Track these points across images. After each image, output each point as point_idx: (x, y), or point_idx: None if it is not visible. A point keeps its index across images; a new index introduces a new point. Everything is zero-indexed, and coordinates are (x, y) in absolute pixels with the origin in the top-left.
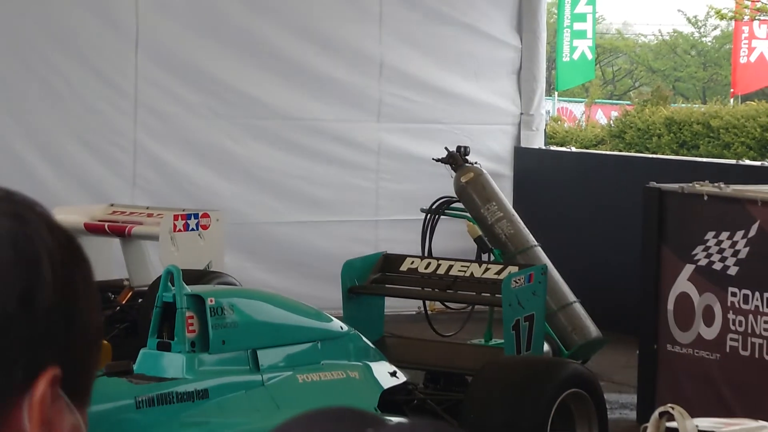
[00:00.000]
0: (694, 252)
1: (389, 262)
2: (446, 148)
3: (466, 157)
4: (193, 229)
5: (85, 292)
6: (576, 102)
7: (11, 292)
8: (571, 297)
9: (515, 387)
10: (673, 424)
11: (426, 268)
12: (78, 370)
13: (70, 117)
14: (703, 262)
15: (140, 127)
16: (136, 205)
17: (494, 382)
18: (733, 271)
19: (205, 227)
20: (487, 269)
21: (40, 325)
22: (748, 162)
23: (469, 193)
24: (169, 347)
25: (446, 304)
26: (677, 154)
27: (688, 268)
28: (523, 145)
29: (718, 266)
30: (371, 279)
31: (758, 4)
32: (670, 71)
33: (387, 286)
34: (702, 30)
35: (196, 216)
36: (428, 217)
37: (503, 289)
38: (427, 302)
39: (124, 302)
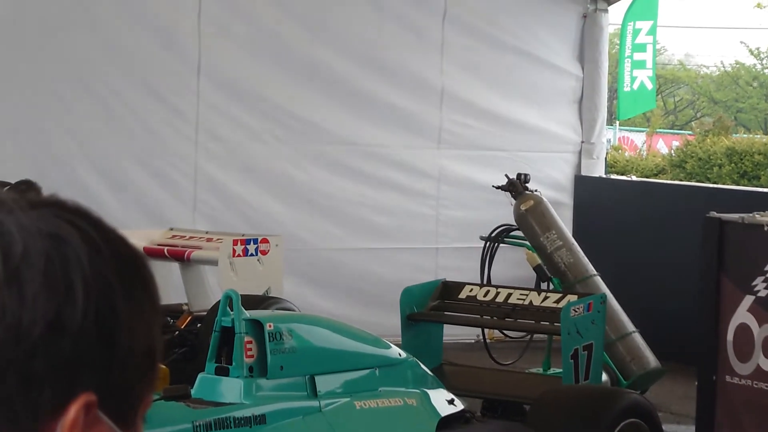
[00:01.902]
0: (754, 282)
1: (448, 290)
2: (506, 176)
3: (526, 185)
4: (252, 255)
5: (131, 314)
6: (637, 131)
7: (40, 317)
8: (630, 327)
9: (573, 416)
10: None
11: (485, 295)
12: (122, 393)
13: (131, 141)
14: (763, 293)
15: (201, 152)
16: (195, 230)
17: (552, 411)
18: None
19: (264, 252)
20: (546, 297)
21: (69, 351)
22: None
23: (529, 221)
24: (227, 372)
25: (505, 332)
26: (738, 185)
27: (748, 299)
28: (583, 173)
29: None
30: (430, 306)
31: None
32: (732, 102)
33: (446, 313)
34: (764, 62)
35: (255, 241)
36: (487, 244)
37: (562, 318)
38: (486, 330)
39: (182, 327)
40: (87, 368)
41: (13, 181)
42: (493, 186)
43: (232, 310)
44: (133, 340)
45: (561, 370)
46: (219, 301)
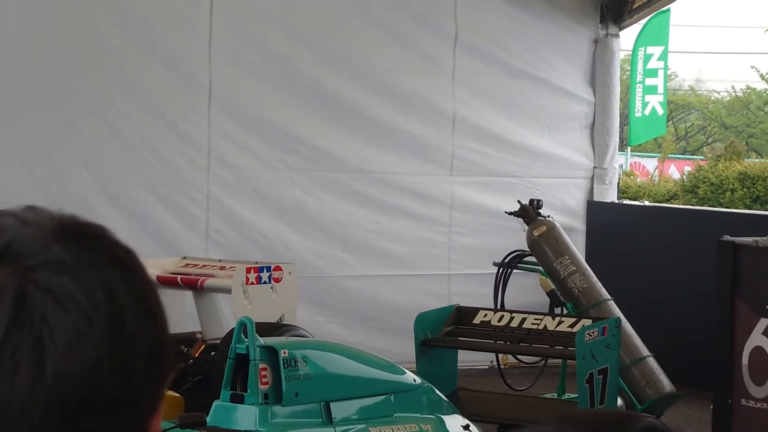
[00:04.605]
0: None
1: (462, 315)
2: (519, 202)
3: (539, 211)
4: (265, 282)
5: (167, 330)
6: (649, 157)
7: (140, 354)
8: (645, 351)
9: None
10: None
11: (499, 321)
12: (162, 400)
13: (143, 169)
14: None
15: (213, 180)
16: (208, 258)
17: None
18: None
19: (277, 280)
20: (560, 322)
21: (160, 370)
22: None
23: (542, 247)
24: (242, 399)
25: (519, 357)
26: (750, 209)
27: (763, 322)
28: (596, 198)
29: None
30: (444, 332)
31: None
32: (744, 127)
33: (460, 339)
34: None
35: (268, 269)
36: (501, 270)
37: (577, 342)
38: (500, 356)
39: (196, 355)
40: (156, 384)
41: None
42: (505, 212)
43: (246, 338)
44: (170, 351)
45: (576, 395)
46: (233, 328)
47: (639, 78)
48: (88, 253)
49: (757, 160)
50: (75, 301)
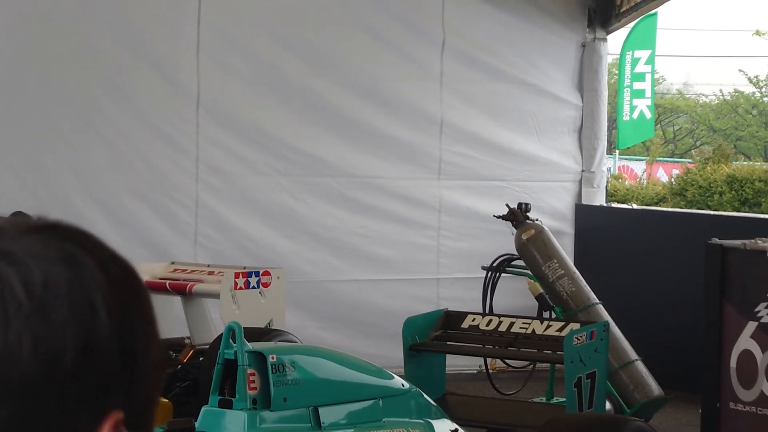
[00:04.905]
0: (756, 309)
1: (450, 320)
2: (507, 205)
3: (527, 214)
4: (254, 287)
5: (144, 330)
6: (637, 160)
7: (70, 342)
8: (633, 355)
9: None
10: None
11: (487, 325)
12: (139, 407)
13: (132, 175)
14: (767, 319)
15: (201, 185)
16: (197, 263)
17: None
18: None
19: (266, 285)
20: (548, 326)
21: (101, 371)
22: None
23: (530, 251)
24: (230, 404)
25: (507, 361)
26: (739, 212)
27: (751, 326)
28: (584, 202)
29: None
30: (432, 336)
31: None
32: (732, 131)
33: (448, 343)
34: (763, 90)
35: (257, 274)
36: (489, 274)
37: (565, 346)
38: (488, 360)
39: (185, 360)
40: (115, 387)
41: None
42: (493, 216)
43: (234, 343)
44: (149, 355)
45: (564, 399)
46: (221, 334)
47: (627, 82)
48: (45, 246)
49: (745, 163)
50: (9, 286)
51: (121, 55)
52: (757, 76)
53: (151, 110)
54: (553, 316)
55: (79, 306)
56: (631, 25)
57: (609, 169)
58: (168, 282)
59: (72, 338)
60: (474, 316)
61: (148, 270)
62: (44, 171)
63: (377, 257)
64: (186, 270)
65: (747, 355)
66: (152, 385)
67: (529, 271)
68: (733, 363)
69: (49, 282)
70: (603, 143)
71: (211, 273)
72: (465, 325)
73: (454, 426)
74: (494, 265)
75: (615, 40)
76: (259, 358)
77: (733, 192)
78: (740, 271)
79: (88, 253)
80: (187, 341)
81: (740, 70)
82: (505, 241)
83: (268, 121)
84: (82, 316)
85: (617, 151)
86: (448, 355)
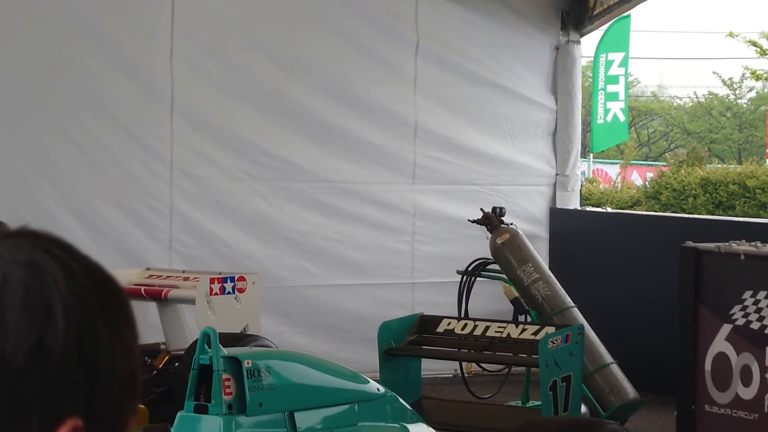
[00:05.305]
0: (731, 311)
1: (426, 324)
2: (482, 210)
3: (502, 219)
4: (229, 293)
5: (111, 338)
6: (611, 164)
7: (22, 344)
8: (608, 358)
9: None
10: None
11: (463, 329)
12: (106, 417)
13: (106, 181)
14: (741, 321)
15: (176, 191)
16: (172, 269)
17: None
18: None
19: (241, 290)
20: (523, 330)
21: (54, 376)
22: None
23: (505, 255)
24: (206, 410)
25: (483, 365)
26: (713, 215)
27: (726, 328)
28: (558, 206)
29: (755, 325)
30: (408, 341)
31: None
32: (706, 133)
33: (423, 347)
34: (737, 92)
35: (232, 279)
36: (464, 279)
37: (540, 350)
38: (464, 364)
39: (161, 366)
40: (72, 392)
41: None
42: (468, 220)
43: (210, 348)
44: (115, 362)
45: (540, 403)
46: (197, 339)
47: (601, 85)
48: (11, 250)
49: (719, 165)
50: None
51: (95, 61)
52: (731, 78)
53: (125, 115)
54: (529, 319)
55: (34, 309)
56: (605, 27)
57: (583, 173)
58: (143, 288)
59: (24, 339)
60: (449, 320)
61: (123, 276)
62: (18, 178)
63: (352, 262)
64: (161, 276)
65: (722, 358)
66: (120, 393)
67: (504, 275)
68: (708, 366)
69: (6, 284)
70: (577, 146)
71: (186, 279)
72: (440, 329)
73: (430, 430)
74: (469, 269)
75: (589, 43)
76: (234, 363)
77: (707, 195)
78: (714, 274)
79: (55, 260)
80: (162, 347)
81: (714, 72)
82: (479, 245)
83: (243, 125)
84: (37, 318)
85: (591, 155)
86: (423, 360)
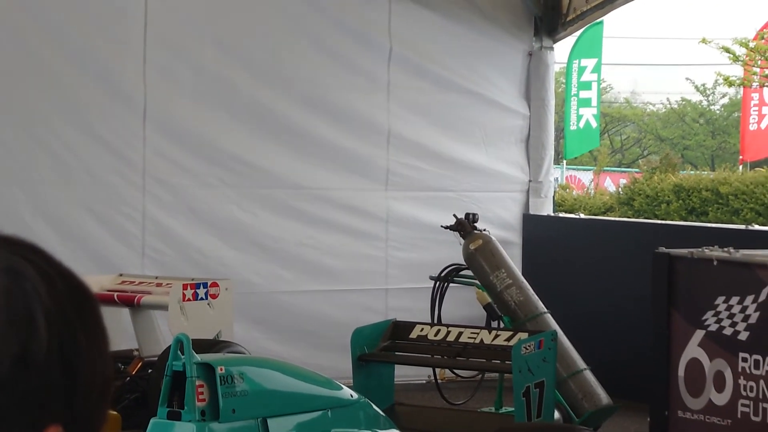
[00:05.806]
0: (704, 317)
1: (399, 330)
2: (455, 216)
3: (475, 225)
4: (202, 299)
5: (88, 344)
6: (584, 170)
7: (5, 353)
8: (581, 364)
9: None
10: None
11: (436, 335)
12: (84, 422)
13: (79, 189)
14: (714, 327)
15: (149, 198)
16: (145, 275)
17: None
18: (743, 336)
19: (214, 296)
20: (497, 336)
21: (37, 385)
22: (757, 227)
23: (478, 261)
24: (179, 416)
25: (456, 371)
26: (686, 221)
27: (699, 334)
28: (531, 212)
29: (728, 331)
30: (381, 347)
31: (767, 71)
32: (679, 140)
33: (397, 353)
34: (710, 98)
35: (205, 285)
36: (437, 284)
37: (513, 356)
38: (437, 370)
39: (134, 372)
40: (53, 400)
41: None
42: (441, 226)
43: (183, 355)
44: (93, 369)
45: (513, 409)
46: (170, 345)
47: (573, 91)
48: None
49: (692, 172)
50: None
51: (67, 67)
52: (704, 84)
53: (97, 122)
54: (502, 325)
55: (17, 316)
56: (578, 33)
57: (556, 179)
58: (116, 294)
59: (8, 348)
60: (422, 326)
61: (95, 282)
62: None
63: (325, 268)
64: (134, 282)
65: (695, 364)
66: (97, 399)
67: (477, 281)
68: (681, 371)
69: None
70: (550, 153)
71: (159, 285)
72: (413, 335)
73: None
74: (442, 275)
75: (562, 49)
76: (207, 369)
77: (680, 201)
78: (687, 280)
79: (33, 266)
80: (135, 353)
81: (687, 79)
82: (452, 251)
83: (215, 132)
84: (19, 326)
85: (564, 161)
86: (396, 366)
